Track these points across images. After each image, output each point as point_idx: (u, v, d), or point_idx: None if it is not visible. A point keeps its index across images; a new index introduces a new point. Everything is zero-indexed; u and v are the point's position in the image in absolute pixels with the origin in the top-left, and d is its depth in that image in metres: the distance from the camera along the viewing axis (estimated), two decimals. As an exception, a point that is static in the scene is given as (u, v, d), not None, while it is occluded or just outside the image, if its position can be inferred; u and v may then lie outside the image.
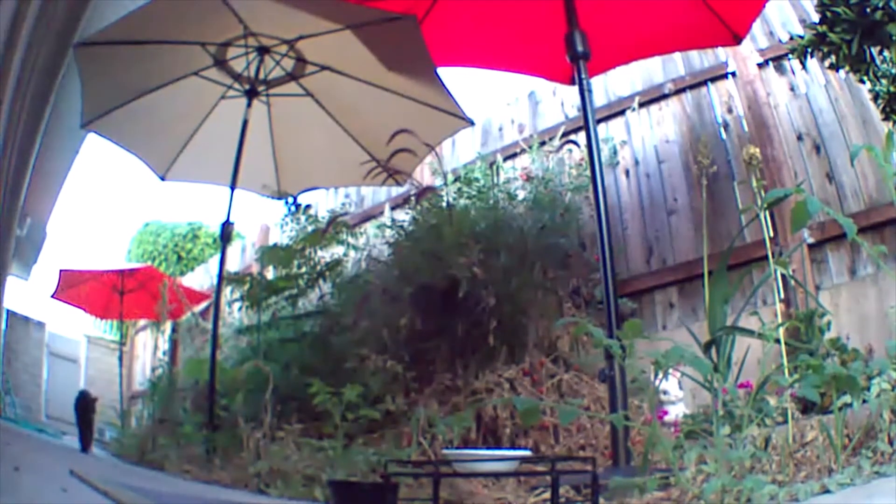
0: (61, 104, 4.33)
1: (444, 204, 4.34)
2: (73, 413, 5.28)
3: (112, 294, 8.45)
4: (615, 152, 4.92)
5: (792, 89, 4.18)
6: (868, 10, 2.69)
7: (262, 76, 4.45)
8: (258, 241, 7.70)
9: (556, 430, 3.38)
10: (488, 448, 3.24)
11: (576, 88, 3.20)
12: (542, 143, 5.12)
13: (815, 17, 3.01)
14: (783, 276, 3.24)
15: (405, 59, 3.96)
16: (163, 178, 4.91)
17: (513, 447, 3.28)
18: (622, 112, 4.96)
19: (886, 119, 2.81)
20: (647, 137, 4.83)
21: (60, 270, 8.23)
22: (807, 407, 2.69)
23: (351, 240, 4.82)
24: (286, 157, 5.04)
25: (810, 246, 3.83)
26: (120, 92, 4.15)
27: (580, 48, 3.17)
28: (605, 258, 2.88)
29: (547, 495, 2.13)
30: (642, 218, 4.71)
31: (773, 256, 2.49)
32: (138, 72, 4.10)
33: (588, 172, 3.51)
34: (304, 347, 4.32)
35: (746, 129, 4.31)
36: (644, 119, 4.87)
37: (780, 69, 4.24)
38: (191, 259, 12.17)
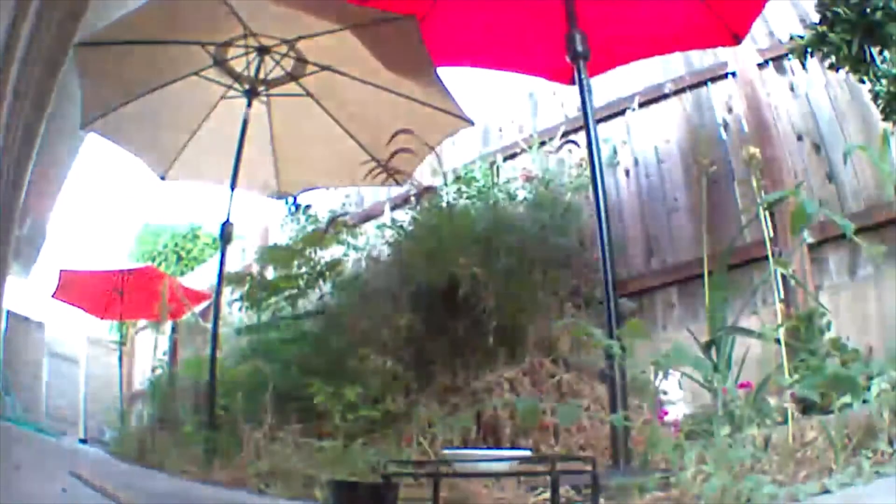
0: (61, 104, 4.33)
1: (444, 204, 4.34)
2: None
3: (112, 294, 8.45)
4: (615, 152, 4.91)
5: (792, 89, 4.18)
6: (868, 10, 2.69)
7: (262, 76, 4.45)
8: (258, 241, 7.69)
9: (556, 430, 3.38)
10: (488, 448, 3.24)
11: (576, 88, 3.19)
12: (542, 143, 5.12)
13: (815, 17, 3.01)
14: (783, 276, 3.24)
15: (405, 59, 3.95)
16: (163, 178, 4.91)
17: (513, 447, 3.27)
18: (622, 112, 4.96)
19: (886, 119, 2.81)
20: (647, 137, 4.83)
21: (60, 270, 8.23)
22: (807, 407, 2.69)
23: (351, 240, 4.82)
24: (286, 157, 5.04)
25: (810, 246, 3.82)
26: (120, 92, 4.15)
27: (580, 48, 3.16)
28: (605, 258, 2.87)
29: (547, 495, 2.13)
30: (642, 218, 4.71)
31: (773, 256, 2.49)
32: (138, 72, 4.10)
33: (588, 172, 3.51)
34: (304, 347, 4.32)
35: (746, 129, 4.31)
36: (644, 119, 4.87)
37: (780, 69, 4.24)
38: (191, 259, 12.14)
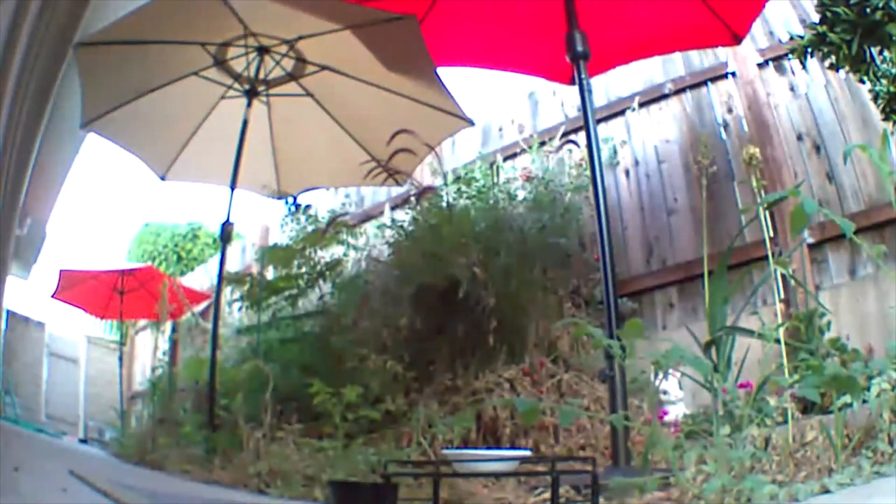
0: (61, 104, 4.32)
1: (444, 204, 4.34)
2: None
3: (112, 294, 8.46)
4: (615, 152, 4.92)
5: (792, 89, 4.18)
6: (868, 10, 2.69)
7: (262, 76, 4.44)
8: (258, 241, 7.70)
9: (556, 430, 3.38)
10: (488, 448, 3.24)
11: (576, 88, 3.19)
12: (542, 143, 5.12)
13: (815, 17, 3.01)
14: (783, 276, 3.24)
15: (405, 59, 3.95)
16: (163, 178, 4.91)
17: (513, 447, 3.28)
18: (622, 112, 4.96)
19: (886, 119, 2.81)
20: (647, 137, 4.83)
21: (60, 270, 8.24)
22: (807, 407, 2.69)
23: (351, 240, 4.82)
24: (286, 157, 5.04)
25: (810, 246, 3.83)
26: (120, 92, 4.15)
27: (580, 48, 3.16)
28: (605, 258, 2.87)
29: (547, 495, 2.13)
30: (642, 218, 4.71)
31: (773, 256, 2.49)
32: (138, 72, 4.10)
33: (588, 172, 3.52)
34: (304, 347, 4.32)
35: (746, 129, 4.31)
36: (644, 119, 4.87)
37: (780, 69, 4.24)
38: (191, 259, 12.16)
